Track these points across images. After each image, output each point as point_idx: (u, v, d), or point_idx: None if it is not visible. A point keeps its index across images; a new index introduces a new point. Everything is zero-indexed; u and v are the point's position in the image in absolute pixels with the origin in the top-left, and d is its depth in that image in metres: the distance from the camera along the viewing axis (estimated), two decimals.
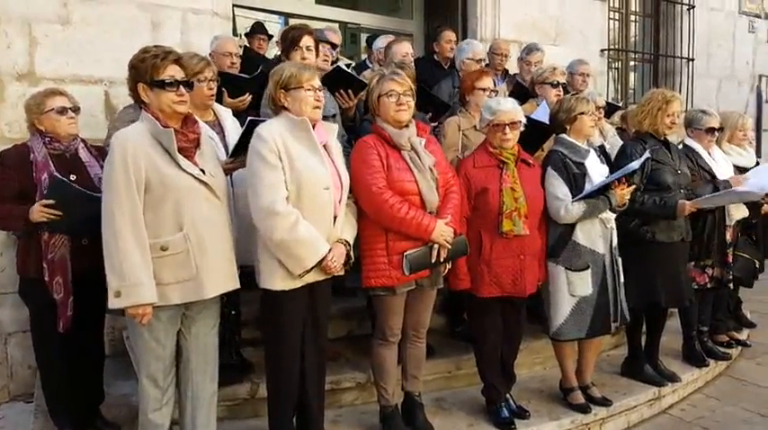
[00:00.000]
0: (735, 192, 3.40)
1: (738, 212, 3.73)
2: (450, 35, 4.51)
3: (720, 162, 3.77)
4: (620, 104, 5.58)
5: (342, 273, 2.36)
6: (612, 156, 3.37)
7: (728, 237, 3.71)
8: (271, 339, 2.41)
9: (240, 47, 4.66)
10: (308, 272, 2.23)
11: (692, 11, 7.24)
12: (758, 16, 8.21)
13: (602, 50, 6.57)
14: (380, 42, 4.27)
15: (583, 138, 2.99)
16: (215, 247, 2.17)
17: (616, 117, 4.74)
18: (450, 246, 2.47)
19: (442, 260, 2.48)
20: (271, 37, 4.92)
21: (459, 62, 4.03)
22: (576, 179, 2.88)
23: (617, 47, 6.91)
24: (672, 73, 7.41)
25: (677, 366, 3.63)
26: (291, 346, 2.36)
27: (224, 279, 2.23)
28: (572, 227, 2.87)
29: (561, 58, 4.45)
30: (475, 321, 2.89)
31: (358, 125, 3.18)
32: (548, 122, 3.18)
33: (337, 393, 2.99)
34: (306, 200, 2.23)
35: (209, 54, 3.47)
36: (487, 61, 4.79)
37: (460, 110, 3.30)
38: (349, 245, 2.36)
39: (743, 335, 4.33)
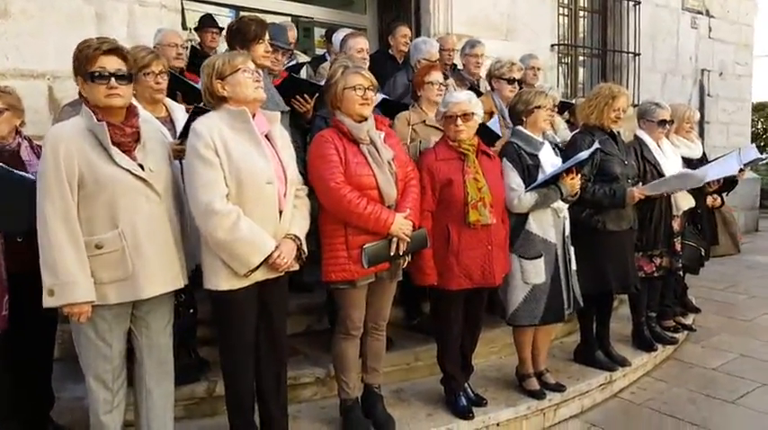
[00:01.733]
0: (678, 177, 3.53)
1: (685, 202, 3.88)
2: (404, 30, 4.53)
3: (669, 154, 3.90)
4: (573, 101, 5.74)
5: (295, 268, 2.33)
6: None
7: (676, 226, 3.86)
8: (222, 339, 2.36)
9: (190, 41, 4.56)
10: (253, 270, 2.18)
11: (637, 7, 7.49)
12: (700, 12, 8.55)
13: (552, 45, 6.73)
14: (340, 35, 4.20)
15: (538, 131, 3.05)
16: (154, 246, 2.10)
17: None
18: (409, 240, 2.48)
19: (401, 253, 2.49)
20: (222, 30, 4.81)
21: (415, 61, 4.06)
22: (529, 170, 2.94)
23: (566, 42, 7.08)
24: (619, 67, 7.65)
25: (627, 351, 3.76)
26: (244, 346, 2.31)
27: (165, 279, 2.15)
28: (525, 216, 2.93)
29: (512, 54, 4.53)
30: (440, 315, 2.90)
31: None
32: (499, 133, 3.28)
33: (297, 389, 2.97)
34: (248, 196, 2.16)
35: (154, 47, 3.39)
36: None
37: (412, 105, 3.33)
38: (300, 239, 2.31)
39: (689, 319, 4.52)
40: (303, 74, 3.89)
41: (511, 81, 3.91)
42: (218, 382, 2.74)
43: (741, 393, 3.43)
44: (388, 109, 3.11)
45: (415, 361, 3.34)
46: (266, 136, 2.28)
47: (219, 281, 2.20)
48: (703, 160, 4.19)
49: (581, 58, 7.59)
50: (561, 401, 3.15)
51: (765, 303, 5.31)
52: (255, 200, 2.18)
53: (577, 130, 3.73)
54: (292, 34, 4.13)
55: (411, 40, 4.46)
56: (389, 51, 4.57)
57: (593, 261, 3.29)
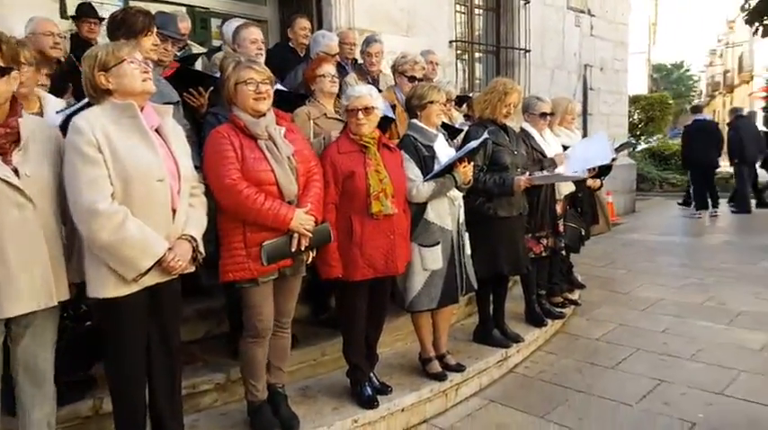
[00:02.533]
0: (563, 175, 3.85)
1: (566, 188, 4.21)
2: (303, 23, 4.51)
3: (551, 143, 4.24)
4: (471, 95, 6.00)
5: (190, 271, 2.25)
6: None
7: (559, 210, 4.18)
8: (110, 350, 2.20)
9: (70, 31, 4.27)
10: (143, 275, 2.05)
11: (528, 5, 7.92)
12: (582, 11, 9.19)
13: (450, 42, 6.97)
14: (232, 27, 3.96)
15: (432, 124, 3.18)
16: (22, 259, 1.94)
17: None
18: (311, 235, 2.49)
19: (303, 249, 2.50)
20: (103, 20, 4.53)
21: (314, 54, 4.07)
22: (426, 161, 3.06)
23: (464, 39, 7.37)
24: (512, 63, 8.07)
25: (521, 328, 4.03)
26: (134, 357, 2.18)
27: (38, 294, 2.00)
28: (424, 206, 3.06)
29: (413, 49, 4.67)
30: (345, 306, 2.95)
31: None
32: (391, 115, 3.37)
33: (195, 397, 2.88)
34: (136, 195, 2.04)
35: (27, 36, 3.16)
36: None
37: (310, 99, 3.35)
38: (195, 240, 2.23)
39: (575, 295, 4.91)
40: (199, 66, 3.78)
41: (412, 79, 4.04)
42: (104, 399, 2.55)
43: (620, 359, 3.79)
44: (288, 102, 3.09)
45: (322, 356, 3.36)
46: (156, 130, 2.18)
47: (107, 287, 2.05)
48: None
49: (478, 54, 7.94)
50: (462, 381, 3.32)
51: (640, 277, 5.90)
52: (145, 199, 2.06)
53: (472, 123, 3.93)
54: (185, 25, 3.98)
55: (312, 33, 4.45)
56: (290, 44, 4.54)
57: (487, 246, 3.51)
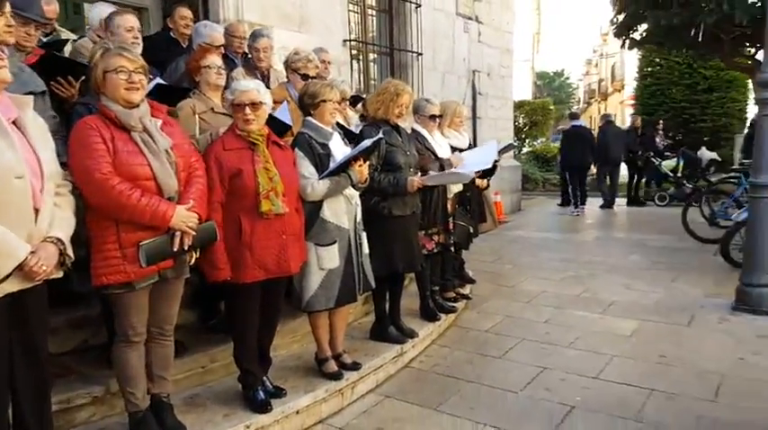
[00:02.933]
0: (455, 174, 3.97)
1: (455, 186, 4.36)
2: (183, 12, 4.29)
3: (441, 143, 4.37)
4: (365, 96, 6.02)
5: (57, 276, 2.06)
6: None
7: (449, 208, 4.32)
8: None
9: None
10: (2, 281, 1.88)
11: (419, 9, 8.12)
12: (470, 18, 9.59)
13: (344, 41, 6.98)
14: (101, 12, 3.56)
15: (327, 122, 3.14)
16: None
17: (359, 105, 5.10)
18: (194, 233, 2.36)
19: (186, 248, 2.37)
20: None
21: (196, 45, 3.88)
22: (321, 159, 3.03)
23: (358, 39, 7.41)
24: (405, 66, 8.24)
25: (416, 323, 4.12)
26: None
27: None
28: (320, 205, 3.02)
29: (306, 46, 4.59)
30: (236, 310, 2.83)
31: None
32: (288, 122, 3.30)
33: (70, 412, 2.64)
34: None
35: None
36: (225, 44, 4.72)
37: (194, 92, 3.19)
38: (62, 243, 2.05)
39: (466, 290, 5.11)
40: (68, 53, 3.47)
41: (305, 77, 3.97)
42: None
43: (506, 349, 3.99)
44: (168, 95, 2.92)
45: (211, 362, 3.21)
46: (14, 123, 1.97)
47: None
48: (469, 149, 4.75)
49: (373, 55, 8.02)
50: (358, 379, 3.32)
51: (524, 271, 6.26)
52: (2, 198, 1.86)
53: (366, 123, 3.94)
54: (51, 8, 3.62)
55: (194, 23, 4.25)
56: (171, 34, 4.30)
57: (383, 244, 3.53)
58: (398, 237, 3.63)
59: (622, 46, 9.14)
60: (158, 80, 3.07)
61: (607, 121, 11.15)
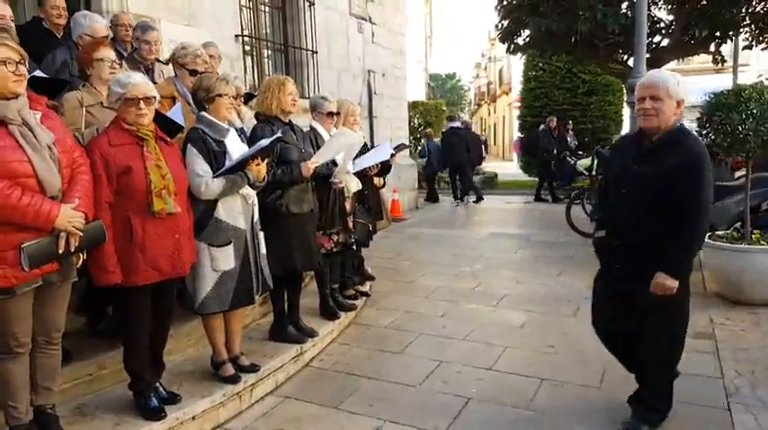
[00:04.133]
0: (341, 136, 3.96)
1: (354, 185, 4.39)
2: (54, 1, 3.96)
3: None
4: (257, 93, 5.90)
5: None
6: None
7: (348, 207, 4.36)
8: None
9: None
10: None
11: (312, 7, 8.08)
12: (364, 19, 9.70)
13: (236, 36, 6.78)
14: None
15: (222, 118, 3.05)
16: None
17: (253, 102, 4.99)
18: (81, 234, 2.22)
19: (72, 250, 2.22)
20: None
21: (77, 36, 3.63)
22: (216, 156, 2.94)
23: (250, 34, 7.23)
24: (300, 63, 8.17)
25: (316, 322, 4.11)
26: None
27: None
28: (214, 204, 2.93)
29: (195, 40, 4.41)
30: (126, 313, 2.69)
31: None
32: (181, 122, 3.17)
33: None
34: None
35: None
36: (112, 35, 4.43)
37: (84, 84, 2.99)
38: None
39: (366, 287, 5.18)
40: None
41: (193, 73, 3.82)
42: None
43: (405, 344, 4.09)
44: (43, 88, 2.70)
45: (100, 370, 3.03)
46: None
47: None
48: (365, 148, 4.83)
49: (267, 51, 7.86)
50: (257, 381, 3.26)
51: (422, 266, 6.46)
52: None
53: (259, 121, 3.86)
54: None
55: (67, 13, 3.95)
56: (44, 24, 3.96)
57: (280, 243, 3.50)
58: (296, 235, 3.62)
59: (507, 50, 9.69)
60: (37, 72, 2.84)
61: (450, 128, 11.97)
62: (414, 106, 15.93)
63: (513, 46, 8.99)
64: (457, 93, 47.14)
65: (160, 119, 2.82)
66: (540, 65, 14.61)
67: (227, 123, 3.12)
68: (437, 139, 12.89)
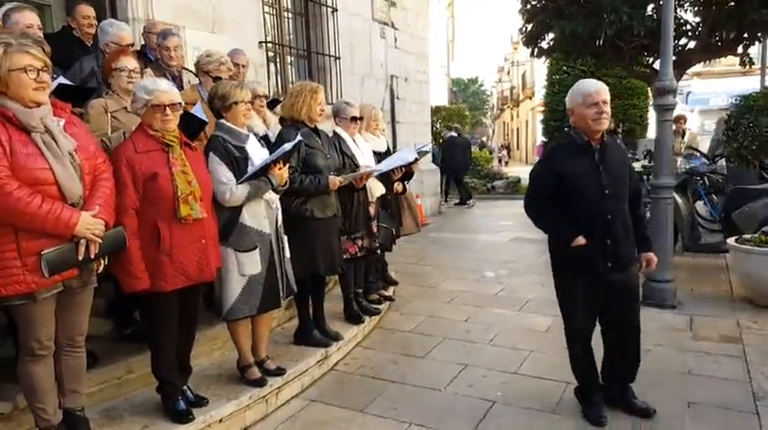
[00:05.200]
0: (367, 170, 4.00)
1: (377, 190, 4.40)
2: (86, 10, 4.06)
3: (363, 147, 4.41)
4: (282, 99, 5.94)
5: None
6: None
7: (372, 211, 4.36)
8: None
9: None
10: None
11: (335, 14, 8.14)
12: (387, 24, 9.73)
13: (260, 43, 6.86)
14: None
15: (241, 125, 3.07)
16: None
17: (278, 108, 5.02)
18: (100, 241, 2.24)
19: (92, 257, 2.24)
20: None
21: (103, 44, 3.70)
22: (238, 163, 2.96)
23: (274, 41, 7.31)
24: (323, 69, 8.22)
25: (340, 326, 4.12)
26: None
27: None
28: (239, 209, 2.95)
29: (220, 47, 4.48)
30: (154, 318, 2.71)
31: None
32: (204, 118, 3.21)
33: None
34: None
35: None
36: (144, 42, 4.52)
37: (107, 92, 3.05)
38: None
39: (389, 291, 5.17)
40: None
41: (217, 80, 3.87)
42: None
43: (429, 349, 4.07)
44: (70, 96, 2.76)
45: (128, 373, 3.07)
46: None
47: None
48: (388, 153, 4.83)
49: (290, 57, 7.93)
50: (283, 384, 3.27)
51: (445, 271, 6.42)
52: None
53: (285, 125, 3.90)
54: None
55: (97, 22, 4.04)
56: (74, 33, 4.06)
57: (304, 247, 3.52)
58: (320, 239, 3.62)
59: (531, 54, 9.59)
60: (62, 79, 2.90)
61: (450, 137, 12.94)
62: (436, 111, 15.90)
63: (537, 49, 8.90)
64: (479, 97, 46.94)
65: (183, 117, 2.85)
66: (564, 68, 14.46)
67: (247, 129, 3.14)
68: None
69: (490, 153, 20.83)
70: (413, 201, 5.49)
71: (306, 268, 3.55)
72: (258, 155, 3.05)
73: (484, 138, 37.52)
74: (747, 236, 5.06)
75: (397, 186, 4.90)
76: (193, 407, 2.80)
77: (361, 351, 4.08)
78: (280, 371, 3.28)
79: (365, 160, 4.26)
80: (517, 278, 6.03)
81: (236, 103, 3.00)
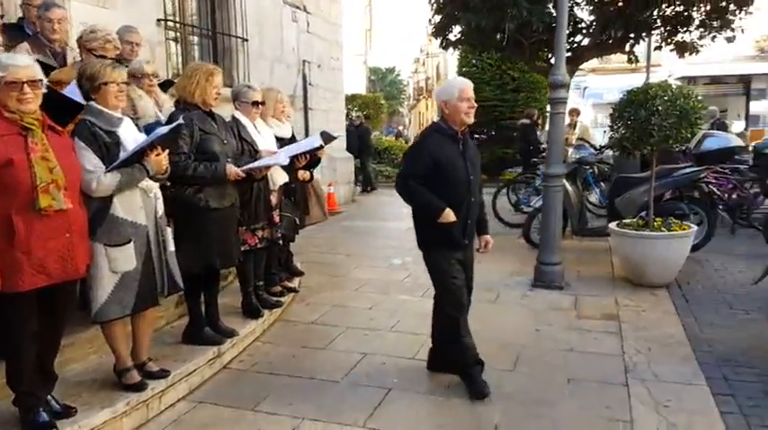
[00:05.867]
0: (270, 159, 3.84)
1: (280, 178, 4.23)
2: None
3: (264, 132, 4.23)
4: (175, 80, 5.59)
5: None
6: None
7: (274, 200, 4.19)
8: None
9: None
10: None
11: None
12: (299, 8, 9.45)
13: (158, 20, 6.43)
14: None
15: (112, 106, 2.79)
16: None
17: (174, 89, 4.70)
18: None
19: None
20: None
21: None
22: (108, 149, 2.70)
23: (174, 19, 6.88)
24: (230, 51, 7.87)
25: (238, 322, 3.93)
26: None
27: None
28: (109, 199, 2.69)
29: (111, 23, 4.09)
30: (8, 324, 2.41)
31: None
32: (80, 100, 2.89)
33: None
34: None
35: None
36: (22, 15, 4.09)
37: None
38: None
39: (294, 282, 5.02)
40: None
41: (101, 58, 3.55)
42: None
43: (331, 339, 3.99)
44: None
45: None
46: None
47: None
48: (293, 139, 4.66)
49: (194, 38, 7.51)
50: (167, 387, 3.05)
51: (356, 259, 6.38)
52: None
53: (177, 109, 3.64)
54: None
55: None
56: None
57: (198, 239, 3.34)
58: (215, 231, 3.44)
59: (440, 46, 9.68)
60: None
61: (351, 122, 13.41)
62: (352, 99, 15.79)
63: (445, 41, 8.99)
64: (396, 87, 47.18)
65: (54, 100, 2.57)
66: (473, 61, 14.75)
67: (120, 111, 2.85)
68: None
69: (406, 142, 21.02)
70: (320, 189, 5.36)
71: (200, 261, 3.37)
72: (133, 140, 2.79)
73: (400, 128, 37.88)
74: (627, 220, 5.48)
75: (304, 174, 4.74)
76: (59, 418, 2.53)
77: (259, 346, 3.92)
78: (164, 373, 3.06)
79: (266, 146, 4.08)
80: (422, 264, 6.02)
81: (105, 83, 2.72)
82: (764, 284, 3.84)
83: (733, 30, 7.72)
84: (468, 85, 3.15)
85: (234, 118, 4.04)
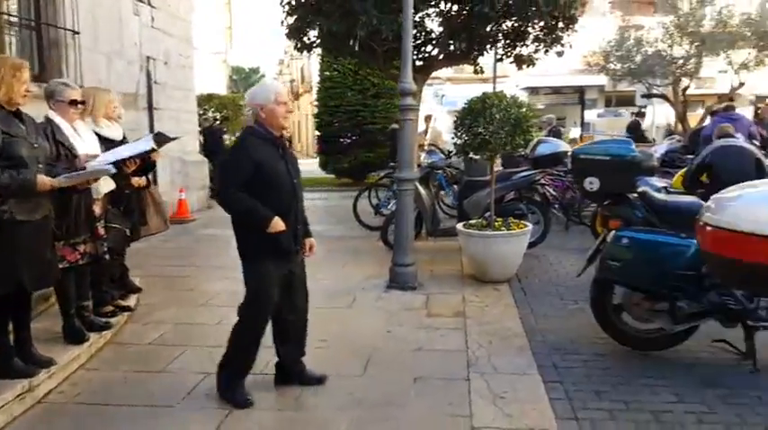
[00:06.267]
0: (93, 171, 3.43)
1: (105, 186, 3.82)
2: None
3: (85, 135, 3.81)
4: None
5: None
6: None
7: (97, 210, 3.78)
8: None
9: None
10: None
11: None
12: (142, 1, 8.78)
13: None
14: None
15: None
16: None
17: None
18: None
19: None
20: None
21: None
22: None
23: None
24: (58, 44, 7.06)
25: (59, 349, 3.49)
26: None
27: None
28: None
29: None
30: None
31: None
32: None
33: None
34: None
35: None
36: None
37: None
38: None
39: (130, 301, 4.58)
40: None
41: None
42: None
43: (169, 361, 3.66)
44: None
45: None
46: None
47: None
48: (123, 141, 4.25)
49: (13, 28, 6.62)
50: None
51: (207, 271, 6.02)
52: None
53: None
54: None
55: None
56: None
57: (3, 257, 2.94)
58: (25, 247, 3.04)
59: (295, 48, 9.53)
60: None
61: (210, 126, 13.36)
62: (208, 99, 15.09)
63: (300, 43, 8.87)
64: None
65: None
66: (335, 66, 14.83)
67: None
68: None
69: None
70: (158, 196, 4.96)
71: (6, 282, 2.96)
72: None
73: None
74: (472, 221, 5.82)
75: (139, 180, 4.34)
76: None
77: (84, 374, 3.49)
78: None
79: (87, 149, 3.67)
80: None
81: None
82: (588, 275, 4.19)
83: (563, 45, 8.47)
84: (282, 90, 3.18)
85: (47, 118, 3.60)
